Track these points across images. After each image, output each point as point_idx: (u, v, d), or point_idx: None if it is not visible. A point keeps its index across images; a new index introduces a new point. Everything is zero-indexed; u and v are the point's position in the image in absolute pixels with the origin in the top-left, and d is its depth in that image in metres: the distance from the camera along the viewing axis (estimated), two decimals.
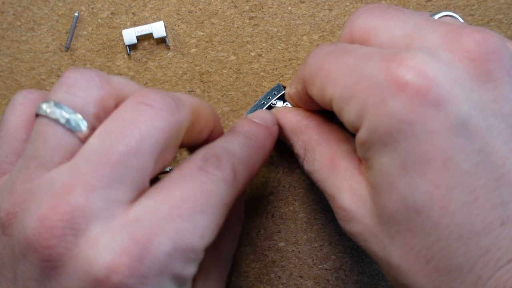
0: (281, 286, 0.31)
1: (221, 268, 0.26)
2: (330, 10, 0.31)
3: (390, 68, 0.19)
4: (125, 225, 0.19)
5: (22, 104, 0.24)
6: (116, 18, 0.32)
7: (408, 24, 0.21)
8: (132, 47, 0.32)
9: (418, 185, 0.19)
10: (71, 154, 0.21)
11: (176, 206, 0.20)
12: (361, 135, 0.20)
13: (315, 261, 0.31)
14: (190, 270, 0.21)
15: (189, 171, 0.21)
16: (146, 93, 0.22)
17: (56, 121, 0.21)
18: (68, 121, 0.21)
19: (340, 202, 0.23)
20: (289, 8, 0.31)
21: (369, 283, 0.30)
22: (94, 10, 0.32)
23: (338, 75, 0.21)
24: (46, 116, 0.21)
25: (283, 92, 0.29)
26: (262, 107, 0.29)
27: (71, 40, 0.32)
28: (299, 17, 0.31)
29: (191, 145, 0.25)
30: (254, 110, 0.29)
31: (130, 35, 0.31)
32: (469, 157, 0.19)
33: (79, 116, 0.21)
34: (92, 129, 0.21)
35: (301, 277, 0.31)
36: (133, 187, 0.20)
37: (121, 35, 0.32)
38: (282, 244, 0.31)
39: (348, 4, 0.31)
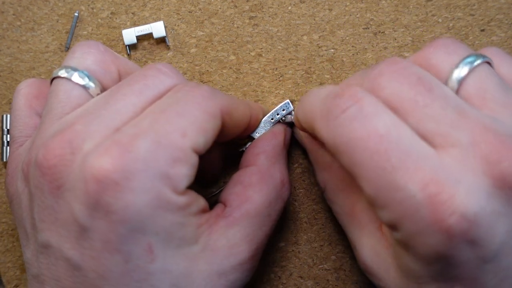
0: (281, 286, 0.31)
1: (250, 222, 0.25)
2: (330, 10, 0.31)
3: (433, 205, 0.19)
4: (110, 135, 0.22)
5: (23, 88, 0.27)
6: (116, 18, 0.32)
7: (445, 115, 0.20)
8: (132, 47, 0.32)
9: None
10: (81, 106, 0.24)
11: (155, 117, 0.22)
12: (396, 237, 0.21)
13: (315, 261, 0.31)
14: (180, 170, 0.21)
15: (169, 93, 0.23)
16: (159, 63, 0.25)
17: (65, 78, 0.24)
18: (73, 75, 0.24)
19: (362, 256, 0.24)
20: (289, 8, 0.31)
21: (369, 283, 0.30)
22: (94, 10, 0.32)
23: (372, 174, 0.20)
24: (56, 77, 0.25)
25: (292, 109, 0.29)
26: (270, 124, 0.29)
27: (71, 40, 0.32)
28: (299, 17, 0.31)
29: (228, 139, 0.27)
30: (263, 126, 0.29)
31: (130, 35, 0.31)
32: (497, 274, 0.20)
33: (83, 71, 0.24)
34: (102, 90, 0.25)
35: (301, 277, 0.31)
36: (125, 117, 0.22)
37: (121, 35, 0.32)
38: (282, 244, 0.31)
39: (348, 4, 0.31)
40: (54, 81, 0.25)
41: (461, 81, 0.22)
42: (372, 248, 0.24)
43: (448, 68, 0.22)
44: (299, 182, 0.31)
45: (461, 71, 0.22)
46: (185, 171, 0.22)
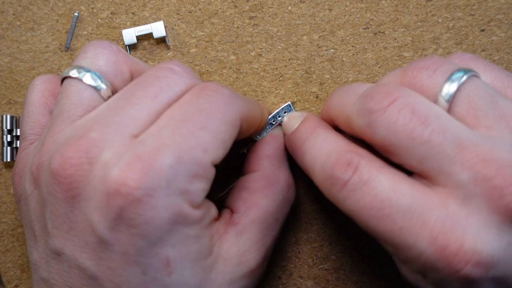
0: (281, 286, 0.31)
1: (259, 228, 0.25)
2: (330, 10, 0.31)
3: (445, 258, 0.19)
4: (131, 147, 0.21)
5: (39, 84, 0.27)
6: (116, 18, 0.32)
7: (444, 151, 0.20)
8: (132, 47, 0.32)
9: None
10: (94, 108, 0.24)
11: (177, 128, 0.21)
12: (427, 281, 0.21)
13: (315, 261, 0.31)
14: (199, 186, 0.21)
15: (189, 96, 0.23)
16: (170, 61, 0.24)
17: (76, 78, 0.24)
18: (85, 76, 0.24)
19: (406, 276, 0.24)
20: (289, 8, 0.31)
21: (369, 283, 0.30)
22: (94, 10, 0.32)
23: (384, 237, 0.21)
24: (68, 77, 0.24)
25: (293, 112, 0.29)
26: (271, 126, 0.29)
27: (71, 40, 0.32)
28: (299, 17, 0.31)
29: (241, 138, 0.26)
30: (264, 128, 0.29)
31: (130, 35, 0.31)
32: None
33: (95, 72, 0.24)
34: (113, 91, 0.24)
35: (301, 277, 0.31)
36: (142, 123, 0.22)
37: (121, 35, 0.32)
38: (282, 244, 0.31)
39: (348, 4, 0.31)
40: (65, 81, 0.25)
41: (451, 102, 0.22)
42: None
43: (434, 91, 0.22)
44: (299, 182, 0.31)
45: (448, 91, 0.22)
46: (203, 186, 0.22)
